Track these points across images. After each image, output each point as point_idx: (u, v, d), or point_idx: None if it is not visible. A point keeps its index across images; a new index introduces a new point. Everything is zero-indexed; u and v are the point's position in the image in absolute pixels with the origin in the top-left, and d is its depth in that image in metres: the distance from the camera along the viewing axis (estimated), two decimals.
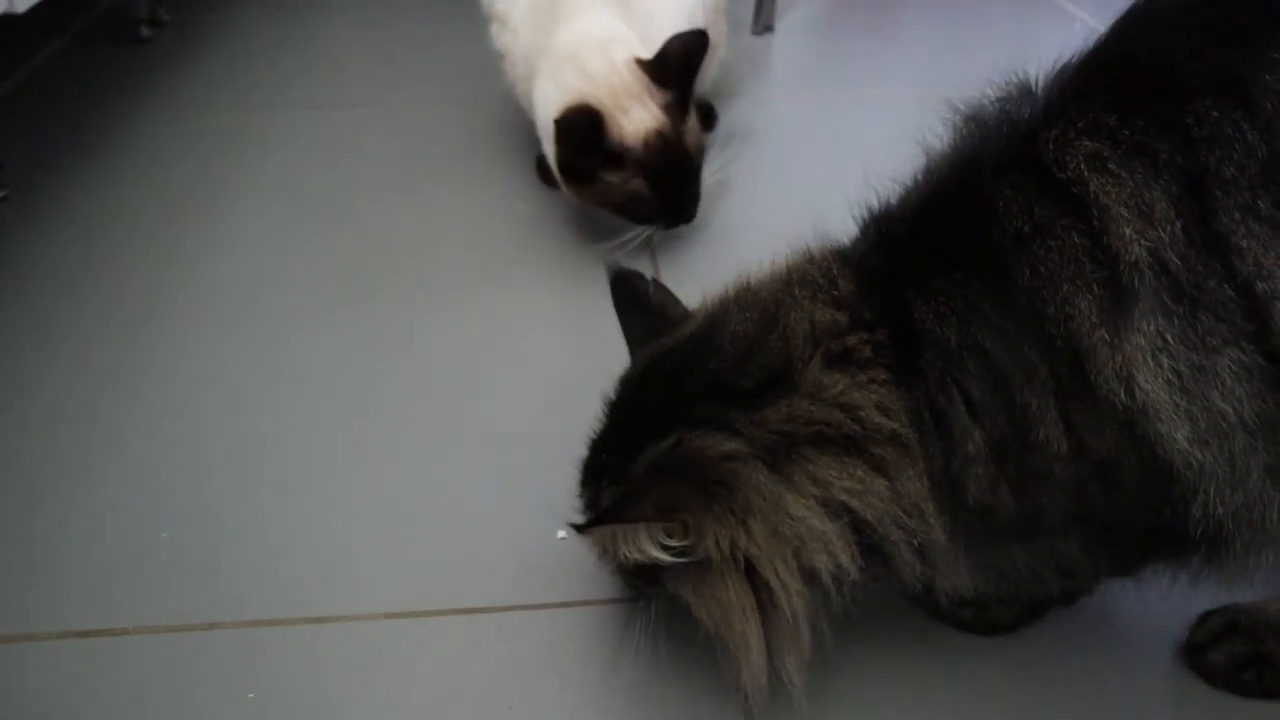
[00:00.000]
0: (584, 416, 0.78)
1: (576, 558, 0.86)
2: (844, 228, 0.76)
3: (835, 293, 0.71)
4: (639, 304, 0.82)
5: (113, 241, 1.38)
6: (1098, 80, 0.66)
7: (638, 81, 1.23)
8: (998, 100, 0.71)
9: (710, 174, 1.33)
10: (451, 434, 1.07)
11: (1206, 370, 0.60)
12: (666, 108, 1.23)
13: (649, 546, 0.68)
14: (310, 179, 1.54)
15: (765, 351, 0.70)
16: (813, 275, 0.72)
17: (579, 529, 0.72)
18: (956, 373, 0.65)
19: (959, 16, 2.16)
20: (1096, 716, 0.80)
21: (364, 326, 1.23)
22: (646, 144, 1.22)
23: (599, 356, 0.80)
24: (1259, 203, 0.59)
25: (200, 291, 1.29)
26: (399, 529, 0.96)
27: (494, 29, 1.47)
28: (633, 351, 0.81)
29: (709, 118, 1.60)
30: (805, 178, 1.51)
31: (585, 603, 0.89)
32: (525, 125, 1.45)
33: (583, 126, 1.20)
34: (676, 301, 0.83)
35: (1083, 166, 0.62)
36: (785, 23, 2.11)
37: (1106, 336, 0.61)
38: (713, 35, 1.38)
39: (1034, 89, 0.69)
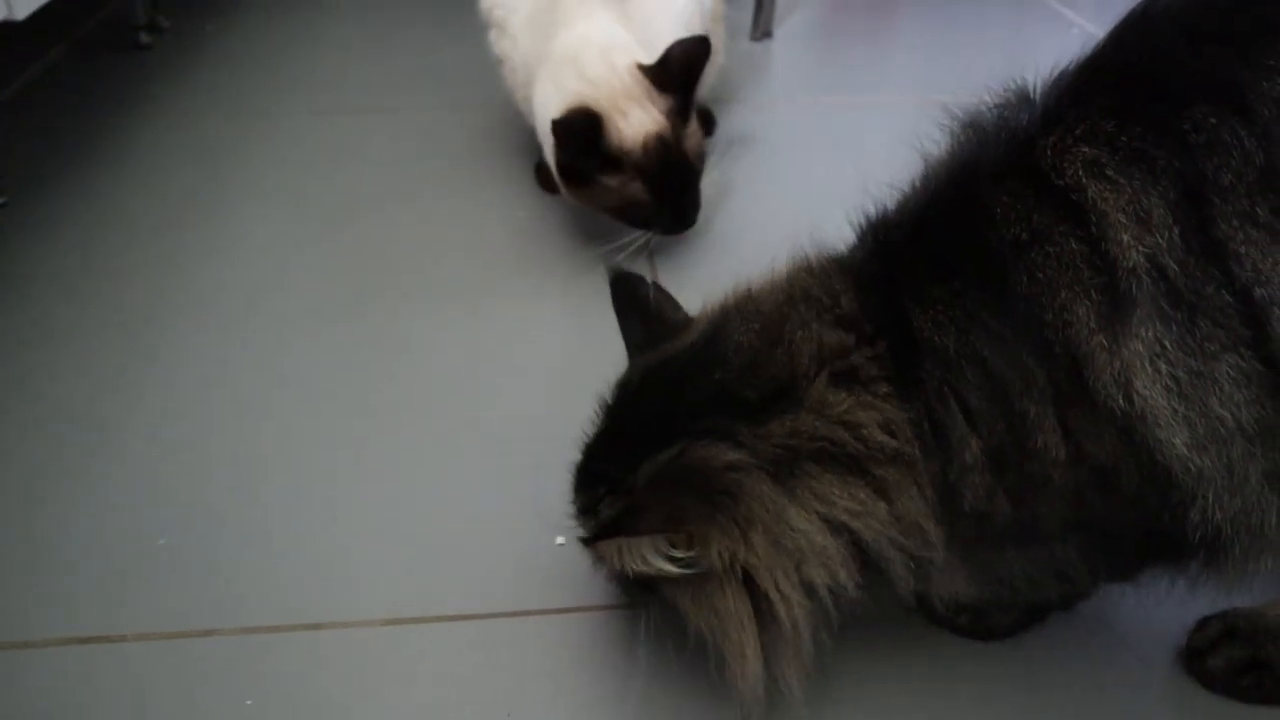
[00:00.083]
0: (582, 422, 0.78)
1: (574, 564, 0.85)
2: (842, 234, 0.76)
3: (839, 310, 0.70)
4: (638, 307, 0.82)
5: (113, 247, 1.38)
6: (1095, 86, 0.66)
7: (638, 86, 1.24)
8: (996, 107, 0.71)
9: (709, 179, 1.33)
10: (450, 439, 1.07)
11: (1205, 376, 0.60)
12: (667, 112, 1.24)
13: (655, 559, 0.68)
14: (310, 184, 1.55)
15: (770, 364, 0.69)
16: (815, 291, 0.72)
17: (585, 542, 0.72)
18: (955, 381, 0.65)
19: (957, 23, 2.17)
20: None
21: (362, 331, 1.23)
22: (645, 147, 1.22)
23: (597, 362, 0.80)
24: (1257, 209, 0.59)
25: (200, 296, 1.29)
26: (397, 534, 0.96)
27: (493, 35, 1.47)
28: (631, 354, 0.81)
29: (708, 124, 1.60)
30: (803, 183, 1.52)
31: (583, 609, 0.89)
32: (524, 131, 1.46)
33: (581, 128, 1.20)
34: (676, 306, 0.83)
35: (1081, 173, 0.62)
36: (783, 29, 2.11)
37: (1105, 342, 0.61)
38: (711, 42, 1.38)
39: (1032, 95, 0.69)
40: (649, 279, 0.84)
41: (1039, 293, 0.63)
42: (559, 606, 0.89)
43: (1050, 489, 0.66)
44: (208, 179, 1.55)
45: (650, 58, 1.26)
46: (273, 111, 1.75)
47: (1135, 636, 0.86)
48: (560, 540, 0.92)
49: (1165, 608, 0.77)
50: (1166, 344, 0.60)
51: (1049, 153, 0.64)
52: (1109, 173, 0.62)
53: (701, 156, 1.30)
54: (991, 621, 0.85)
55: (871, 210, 0.75)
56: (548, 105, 1.26)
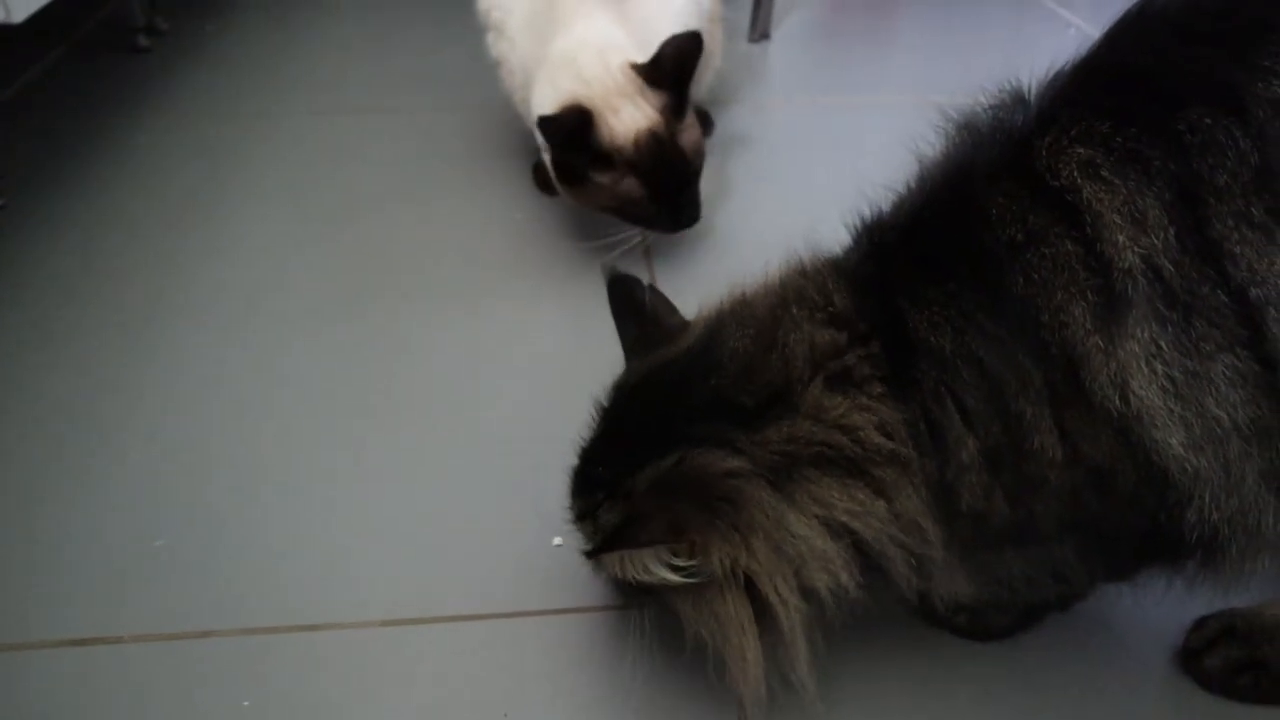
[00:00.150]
0: (580, 424, 0.78)
1: (573, 564, 0.85)
2: (838, 235, 0.76)
3: (831, 309, 0.70)
4: (635, 309, 0.82)
5: (113, 247, 1.38)
6: (1091, 87, 0.66)
7: (631, 83, 1.23)
8: (991, 107, 0.71)
9: (706, 180, 1.33)
10: (448, 440, 1.07)
11: (1201, 376, 0.60)
12: (660, 109, 1.23)
13: (658, 568, 0.68)
14: (310, 184, 1.55)
15: (765, 370, 0.69)
16: (809, 292, 0.72)
17: (588, 555, 0.72)
18: (951, 381, 0.66)
19: (954, 23, 2.17)
20: None
21: (362, 331, 1.23)
22: (637, 143, 1.21)
23: (595, 362, 0.80)
24: (1252, 210, 0.59)
25: (200, 296, 1.29)
26: (395, 535, 0.96)
27: (490, 37, 1.47)
28: (628, 356, 0.81)
29: (706, 125, 1.60)
30: (801, 184, 1.52)
31: (581, 609, 0.89)
32: (523, 132, 1.46)
33: (569, 123, 1.20)
34: (673, 310, 0.83)
35: (1076, 174, 0.62)
36: (781, 30, 2.11)
37: (1100, 343, 0.61)
38: (709, 43, 1.38)
39: (1027, 96, 0.69)
40: (646, 281, 0.84)
41: (1035, 293, 0.63)
42: (557, 607, 0.89)
43: (1047, 489, 0.66)
44: (208, 179, 1.55)
45: (648, 58, 1.26)
46: (273, 111, 1.75)
47: (1133, 636, 0.86)
48: (558, 541, 0.92)
49: (1162, 608, 0.77)
50: (1162, 344, 0.60)
51: (1044, 153, 0.64)
52: (1104, 173, 0.62)
53: (700, 153, 1.29)
54: (990, 622, 0.85)
55: (866, 211, 0.75)
56: (544, 106, 1.26)
